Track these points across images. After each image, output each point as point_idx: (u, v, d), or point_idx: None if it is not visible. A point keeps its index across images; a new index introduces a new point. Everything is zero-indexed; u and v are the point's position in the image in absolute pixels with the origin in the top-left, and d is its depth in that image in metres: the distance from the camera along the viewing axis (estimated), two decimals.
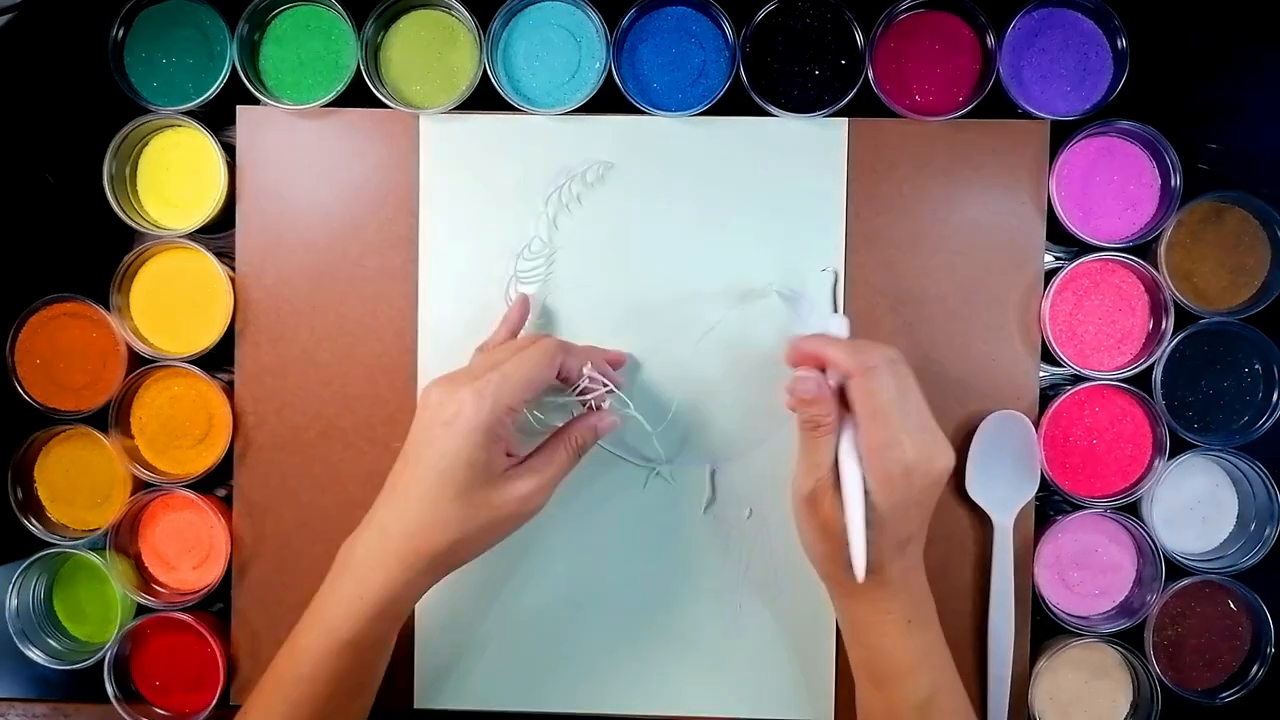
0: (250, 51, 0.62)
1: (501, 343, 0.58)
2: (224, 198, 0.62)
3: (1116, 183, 0.62)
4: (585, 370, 0.56)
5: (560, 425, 0.56)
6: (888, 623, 0.53)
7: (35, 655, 0.62)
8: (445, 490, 0.51)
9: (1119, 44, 0.61)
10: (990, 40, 0.60)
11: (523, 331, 0.61)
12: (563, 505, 0.61)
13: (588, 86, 0.61)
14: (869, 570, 0.50)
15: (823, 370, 0.53)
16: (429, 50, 0.62)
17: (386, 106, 0.62)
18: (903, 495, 0.50)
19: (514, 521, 0.53)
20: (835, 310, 0.57)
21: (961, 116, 0.61)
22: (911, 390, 0.52)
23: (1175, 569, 0.61)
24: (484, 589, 0.62)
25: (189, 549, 0.63)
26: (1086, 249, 0.61)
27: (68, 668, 0.62)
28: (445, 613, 0.62)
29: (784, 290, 0.61)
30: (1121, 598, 0.62)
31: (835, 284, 0.59)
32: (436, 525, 0.51)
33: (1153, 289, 0.61)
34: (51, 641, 0.64)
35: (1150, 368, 0.61)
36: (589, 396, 0.56)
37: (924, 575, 0.54)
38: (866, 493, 0.51)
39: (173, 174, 0.63)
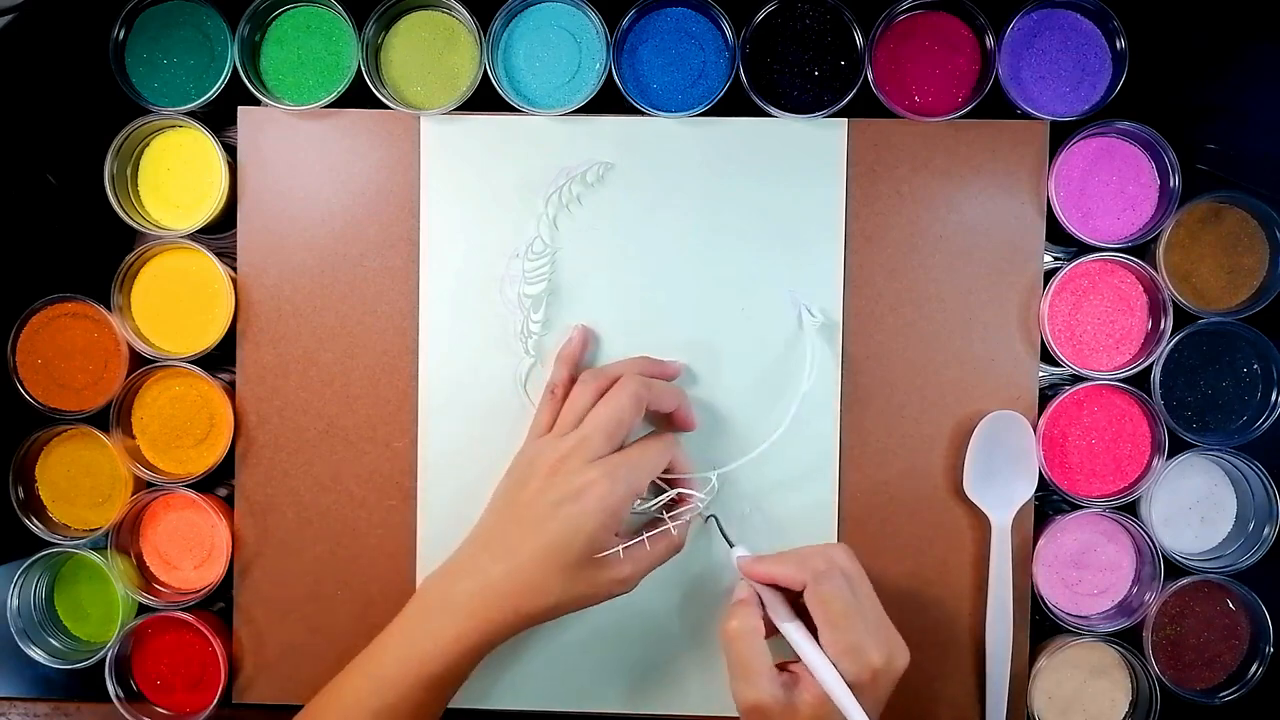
0: (251, 52, 0.62)
1: (564, 382, 0.60)
2: (225, 198, 0.62)
3: (1115, 183, 0.62)
4: (693, 496, 0.59)
5: (659, 517, 0.59)
6: None
7: (37, 655, 0.62)
8: (559, 560, 0.54)
9: (1118, 45, 0.61)
10: (989, 41, 0.60)
11: (528, 339, 0.62)
12: None
13: (588, 87, 0.61)
14: None
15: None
16: (429, 51, 0.62)
17: (387, 107, 0.62)
18: (870, 696, 0.51)
19: (603, 599, 0.56)
20: (731, 546, 0.58)
21: (961, 117, 0.61)
22: (863, 587, 0.54)
23: (1174, 568, 0.61)
24: None
25: (190, 548, 0.63)
26: (1085, 249, 0.61)
27: (69, 667, 0.62)
28: None
29: (794, 292, 0.61)
30: (1120, 597, 0.63)
31: (721, 524, 0.60)
32: (541, 590, 0.54)
33: (1151, 289, 0.61)
34: (53, 641, 0.64)
35: (1149, 368, 0.61)
36: (679, 513, 0.59)
37: None
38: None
39: (174, 174, 0.63)
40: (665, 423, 0.61)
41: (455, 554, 0.57)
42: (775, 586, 0.55)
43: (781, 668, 0.53)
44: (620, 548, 0.55)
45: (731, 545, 0.58)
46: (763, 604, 0.54)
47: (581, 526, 0.54)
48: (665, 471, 0.59)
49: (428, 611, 0.55)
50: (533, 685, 0.62)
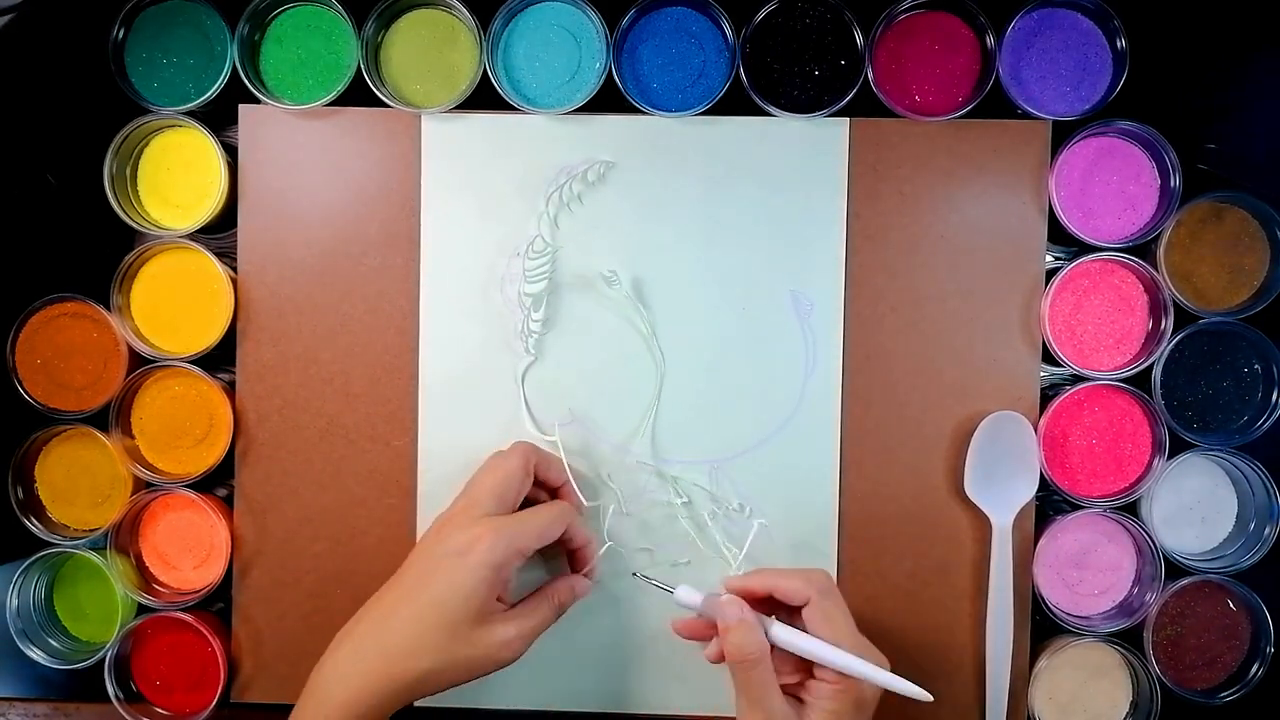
0: (251, 51, 0.62)
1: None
2: (224, 198, 0.62)
3: (1116, 183, 0.62)
4: (598, 551, 0.60)
5: (546, 581, 0.59)
6: None
7: (36, 655, 0.62)
8: (436, 617, 0.52)
9: (1118, 44, 0.61)
10: (990, 40, 0.60)
11: (528, 338, 0.62)
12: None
13: (588, 87, 0.61)
14: None
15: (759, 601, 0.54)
16: (429, 50, 0.62)
17: (387, 106, 0.62)
18: (867, 714, 0.52)
19: (487, 666, 0.53)
20: (671, 590, 0.56)
21: (961, 117, 0.61)
22: (850, 617, 0.54)
23: (1174, 569, 0.61)
24: None
25: (189, 548, 0.63)
26: (1086, 249, 0.61)
27: (68, 667, 0.62)
28: None
29: (795, 292, 0.61)
30: (1121, 597, 0.63)
31: (647, 578, 0.58)
32: (416, 651, 0.51)
33: (1152, 289, 0.61)
34: (52, 641, 0.64)
35: (1150, 368, 0.61)
36: (556, 585, 0.59)
37: None
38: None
39: (173, 174, 0.63)
40: (553, 496, 0.60)
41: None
42: (766, 607, 0.54)
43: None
44: (506, 609, 0.54)
45: (672, 590, 0.56)
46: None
47: (462, 581, 0.52)
48: (564, 541, 0.58)
49: (303, 700, 0.52)
50: (533, 685, 0.62)
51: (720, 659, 0.53)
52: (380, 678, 0.51)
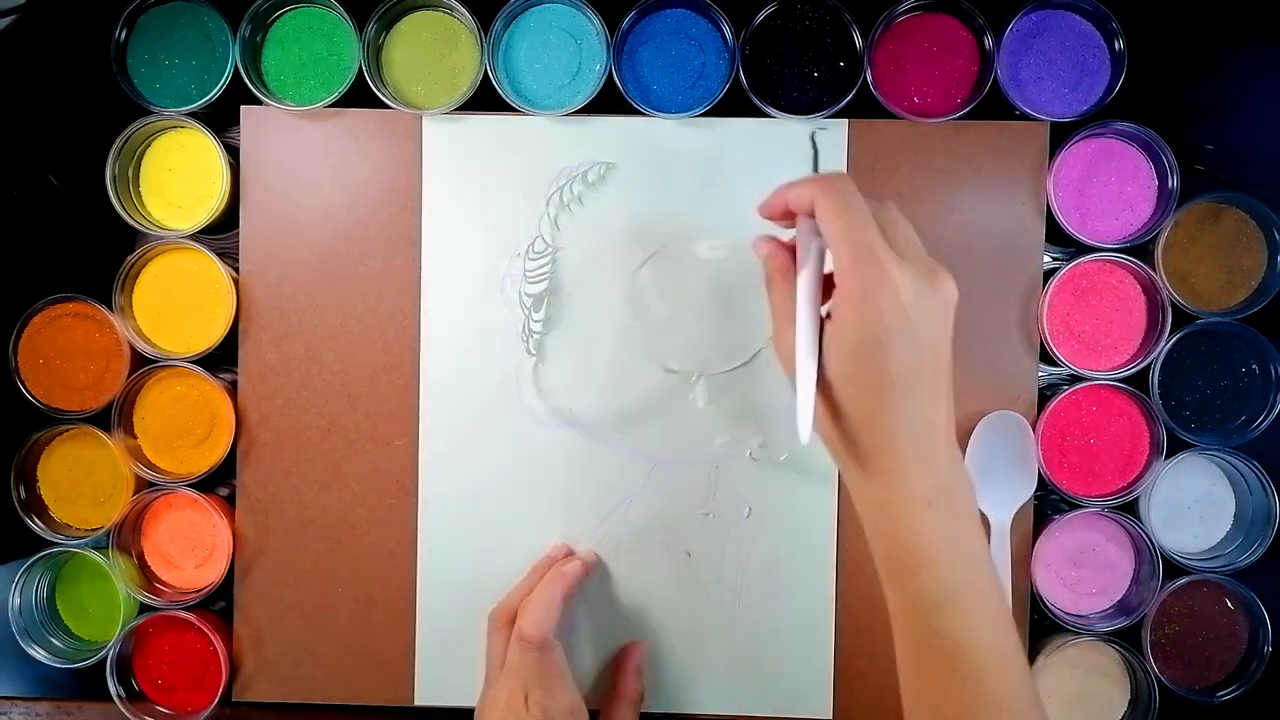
0: (252, 53, 0.63)
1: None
2: (226, 199, 0.62)
3: (1114, 184, 0.62)
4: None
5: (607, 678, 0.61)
6: (902, 504, 0.44)
7: (38, 654, 0.62)
8: None
9: (1116, 45, 0.61)
10: (988, 42, 0.61)
11: (529, 339, 0.62)
12: (563, 505, 0.62)
13: (588, 89, 0.61)
14: (867, 449, 0.44)
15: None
16: (430, 51, 0.63)
17: (388, 107, 0.62)
18: (901, 336, 0.42)
19: None
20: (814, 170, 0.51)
21: (960, 118, 0.61)
22: (899, 220, 0.46)
23: (1173, 568, 0.61)
24: (484, 589, 0.62)
25: (191, 548, 0.64)
26: (1084, 249, 0.62)
27: (71, 666, 0.62)
28: (445, 612, 0.62)
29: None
30: (1119, 597, 0.63)
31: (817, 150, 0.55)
32: None
33: (1150, 289, 0.61)
34: (54, 640, 0.64)
35: (1148, 367, 0.61)
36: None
37: (955, 452, 0.45)
38: (847, 339, 0.43)
39: (175, 175, 0.63)
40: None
41: None
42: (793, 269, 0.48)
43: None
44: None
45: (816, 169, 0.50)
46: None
47: None
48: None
49: None
50: None
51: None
52: None
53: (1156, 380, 0.61)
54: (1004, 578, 0.61)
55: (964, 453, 0.61)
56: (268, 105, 0.62)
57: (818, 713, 0.62)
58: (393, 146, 0.63)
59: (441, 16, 0.63)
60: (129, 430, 0.63)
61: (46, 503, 0.64)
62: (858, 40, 0.61)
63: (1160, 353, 0.60)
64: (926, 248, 0.57)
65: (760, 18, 0.61)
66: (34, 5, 0.61)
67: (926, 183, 0.62)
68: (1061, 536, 0.62)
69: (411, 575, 0.63)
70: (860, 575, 0.62)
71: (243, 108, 0.63)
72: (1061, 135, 0.61)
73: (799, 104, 0.61)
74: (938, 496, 0.44)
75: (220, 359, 0.63)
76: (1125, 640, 0.61)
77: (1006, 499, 0.61)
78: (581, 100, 0.61)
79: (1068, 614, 0.62)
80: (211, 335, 0.62)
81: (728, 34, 0.61)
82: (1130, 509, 0.62)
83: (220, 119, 0.63)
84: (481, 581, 0.62)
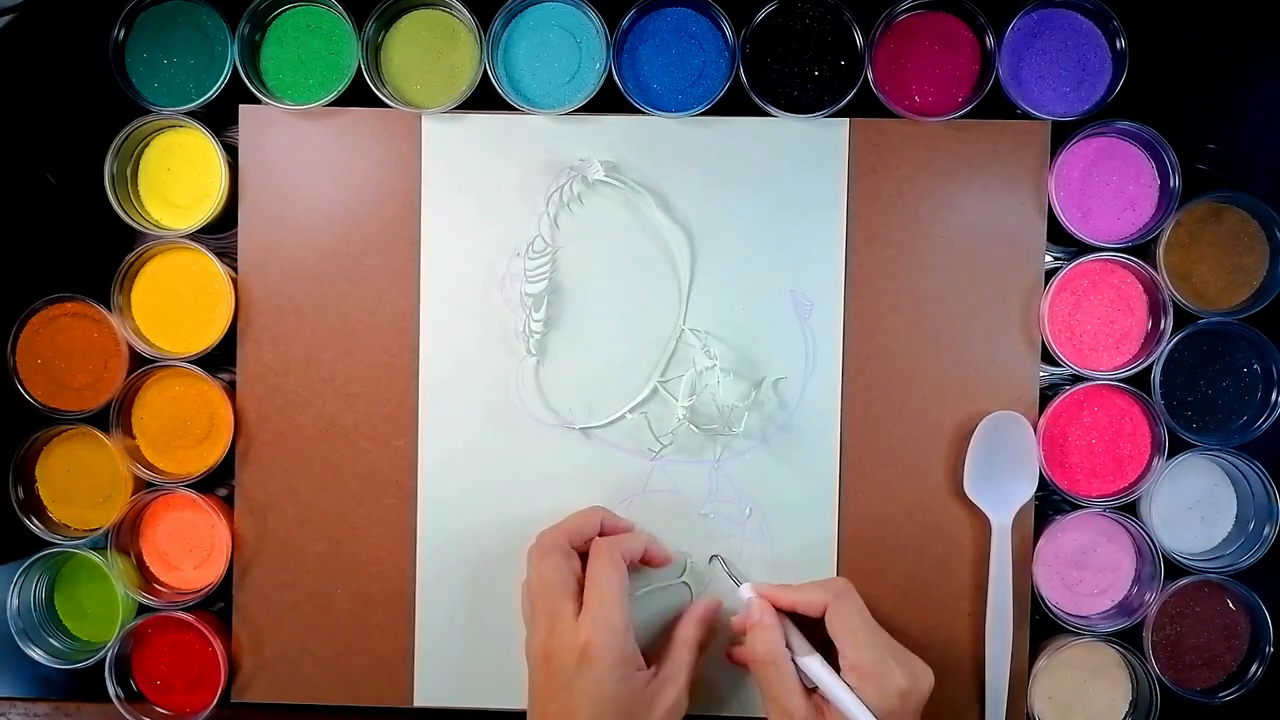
0: (251, 52, 0.62)
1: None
2: (224, 198, 0.62)
3: (1115, 183, 0.62)
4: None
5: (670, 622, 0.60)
6: None
7: (36, 654, 0.62)
8: None
9: (1118, 44, 0.61)
10: (989, 41, 0.60)
11: (529, 339, 0.62)
12: (562, 506, 0.62)
13: (588, 87, 0.61)
14: None
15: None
16: (430, 50, 0.62)
17: (387, 106, 0.62)
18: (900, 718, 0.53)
19: None
20: (738, 584, 0.59)
21: (961, 117, 0.61)
22: (869, 616, 0.56)
23: (1174, 568, 0.61)
24: (484, 588, 0.62)
25: (190, 548, 0.63)
26: (1085, 249, 0.61)
27: (69, 667, 0.62)
28: (445, 612, 0.62)
29: (795, 292, 0.62)
30: (1120, 597, 0.63)
31: (726, 564, 0.61)
32: None
33: (1151, 289, 0.61)
34: (53, 641, 0.64)
35: (1149, 367, 0.61)
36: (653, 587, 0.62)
37: None
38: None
39: (174, 174, 0.63)
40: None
41: None
42: (791, 619, 0.57)
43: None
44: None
45: (739, 584, 0.59)
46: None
47: (604, 690, 0.52)
48: (645, 562, 0.60)
49: None
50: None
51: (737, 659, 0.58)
52: None
53: (1158, 380, 0.61)
54: (1005, 579, 0.61)
55: (965, 453, 0.61)
56: (266, 104, 0.62)
57: None
58: (392, 146, 0.62)
59: (441, 15, 0.62)
60: (127, 430, 0.63)
61: (45, 503, 0.64)
62: (858, 39, 0.61)
63: (1162, 353, 0.60)
64: (928, 247, 0.61)
65: (761, 16, 0.61)
66: (32, 4, 0.60)
67: (927, 182, 0.62)
68: (1062, 537, 0.62)
69: (411, 576, 0.63)
70: (859, 575, 0.62)
71: (241, 107, 0.63)
72: (1063, 134, 0.61)
73: (799, 103, 0.61)
74: None
75: (219, 359, 0.63)
76: (1126, 641, 0.61)
77: (1007, 499, 0.61)
78: (581, 99, 0.61)
79: (1068, 614, 0.62)
80: (210, 335, 0.62)
81: (728, 32, 0.61)
82: (1131, 509, 0.62)
83: (219, 118, 0.63)
84: (479, 584, 0.62)
